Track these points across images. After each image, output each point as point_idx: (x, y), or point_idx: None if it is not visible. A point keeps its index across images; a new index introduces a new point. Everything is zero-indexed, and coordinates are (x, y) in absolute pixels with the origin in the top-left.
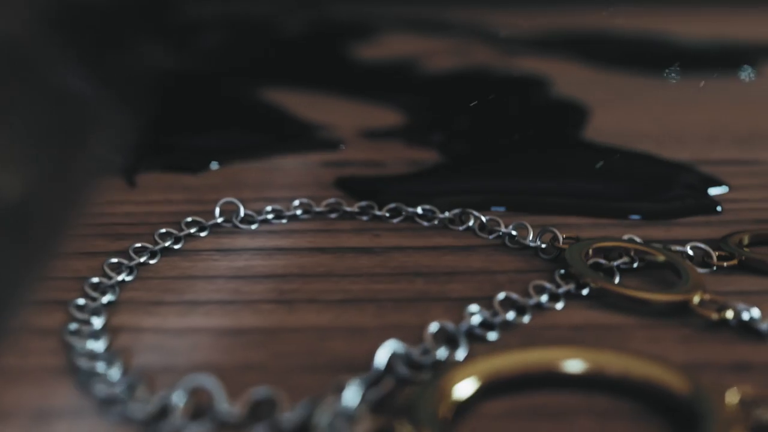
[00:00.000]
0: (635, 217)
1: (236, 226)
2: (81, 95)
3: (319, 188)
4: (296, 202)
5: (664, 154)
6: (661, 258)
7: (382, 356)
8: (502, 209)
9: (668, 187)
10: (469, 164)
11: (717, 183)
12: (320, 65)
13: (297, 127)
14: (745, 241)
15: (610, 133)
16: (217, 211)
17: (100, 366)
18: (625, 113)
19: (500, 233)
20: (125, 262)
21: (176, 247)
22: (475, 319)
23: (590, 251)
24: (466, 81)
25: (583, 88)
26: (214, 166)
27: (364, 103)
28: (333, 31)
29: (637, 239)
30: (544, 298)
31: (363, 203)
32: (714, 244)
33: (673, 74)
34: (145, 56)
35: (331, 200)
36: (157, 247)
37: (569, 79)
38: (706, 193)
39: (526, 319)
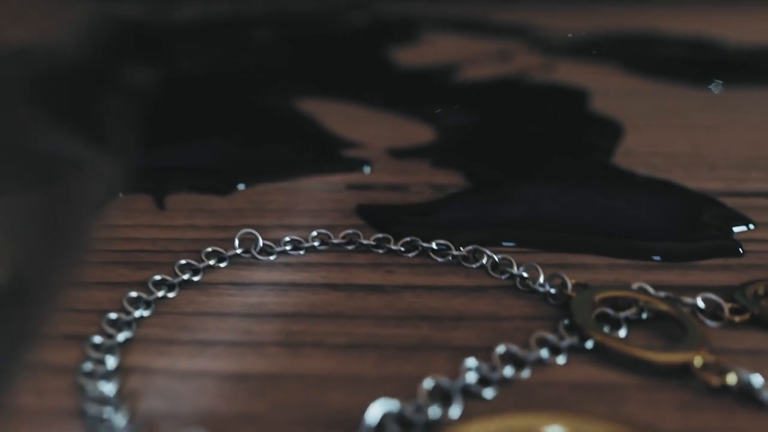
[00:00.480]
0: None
1: (255, 257)
2: (64, 155)
3: (340, 215)
4: (314, 233)
5: (694, 184)
6: (668, 311)
7: (373, 415)
8: (511, 244)
9: (691, 225)
10: (491, 193)
11: (743, 220)
12: (358, 68)
13: (326, 144)
14: (761, 291)
15: (642, 157)
16: (237, 242)
17: (107, 411)
18: (660, 132)
19: (512, 274)
20: (144, 296)
21: (195, 279)
22: (472, 375)
23: (598, 300)
24: (503, 91)
25: (621, 99)
26: (241, 187)
27: (397, 114)
28: (374, 32)
29: (648, 288)
30: (545, 352)
31: (379, 235)
32: (729, 293)
33: (716, 86)
34: (132, 84)
35: (349, 231)
36: (177, 280)
37: (609, 87)
38: (731, 232)
39: (525, 374)
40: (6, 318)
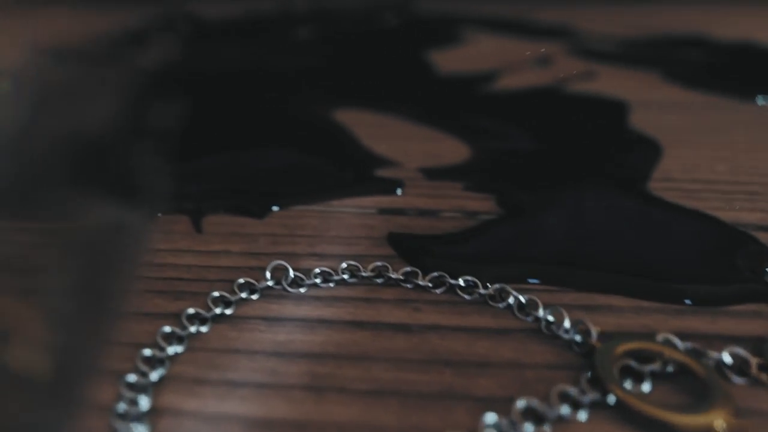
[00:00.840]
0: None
1: (285, 290)
2: (97, 217)
3: (371, 243)
4: (344, 265)
5: (731, 215)
6: (692, 367)
7: None
8: (538, 282)
9: (725, 266)
10: (520, 222)
11: None
12: (396, 73)
13: (361, 161)
14: None
15: (679, 182)
16: (268, 274)
17: None
18: (699, 152)
19: (537, 317)
20: (178, 330)
21: (228, 312)
22: None
23: (621, 352)
24: (541, 103)
25: (660, 112)
26: (276, 209)
27: (433, 127)
28: (414, 32)
29: (673, 339)
30: (565, 409)
31: (408, 269)
32: (758, 345)
33: (763, 99)
34: (161, 126)
35: (378, 264)
36: (209, 314)
37: (649, 98)
38: (765, 274)
39: (546, 429)
40: (49, 399)
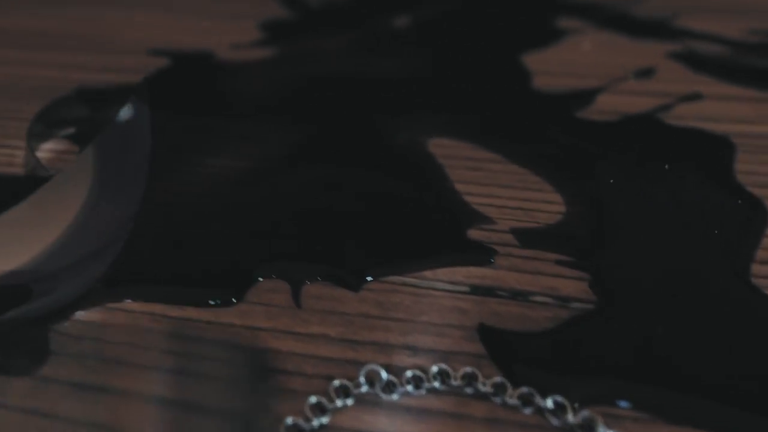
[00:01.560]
0: None
1: (378, 395)
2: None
3: (462, 335)
4: (435, 369)
5: None
6: None
7: None
8: (627, 405)
9: None
10: (612, 318)
11: None
12: (490, 88)
13: (453, 217)
14: None
15: None
16: (362, 378)
17: None
18: None
19: None
20: None
21: (324, 421)
22: None
23: None
24: (637, 134)
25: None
26: (369, 278)
27: (528, 169)
28: (510, 25)
29: None
30: None
31: (497, 380)
32: None
33: None
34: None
35: (468, 371)
36: (308, 426)
37: (759, 132)
38: None
39: None
40: None
